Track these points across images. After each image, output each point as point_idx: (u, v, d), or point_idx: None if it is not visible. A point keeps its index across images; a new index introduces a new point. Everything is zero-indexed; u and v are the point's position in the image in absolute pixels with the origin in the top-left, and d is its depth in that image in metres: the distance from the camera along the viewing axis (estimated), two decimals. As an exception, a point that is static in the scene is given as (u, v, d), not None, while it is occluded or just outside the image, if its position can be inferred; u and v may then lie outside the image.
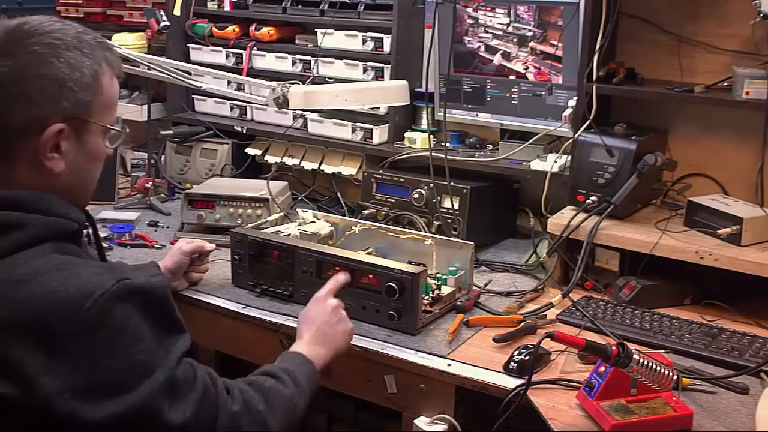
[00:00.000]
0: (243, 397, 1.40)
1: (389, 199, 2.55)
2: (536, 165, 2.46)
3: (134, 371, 1.20)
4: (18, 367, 1.15)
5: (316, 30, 2.88)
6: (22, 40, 1.29)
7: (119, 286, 1.20)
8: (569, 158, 2.34)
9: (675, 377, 1.54)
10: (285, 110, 2.45)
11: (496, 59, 2.57)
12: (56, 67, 1.29)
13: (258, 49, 3.02)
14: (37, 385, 1.14)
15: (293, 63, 2.93)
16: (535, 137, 2.52)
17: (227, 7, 3.11)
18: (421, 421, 1.78)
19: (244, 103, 3.08)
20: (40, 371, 1.15)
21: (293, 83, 2.38)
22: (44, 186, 1.31)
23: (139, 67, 2.41)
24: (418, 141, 2.70)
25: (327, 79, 2.83)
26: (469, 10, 2.58)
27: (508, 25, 2.53)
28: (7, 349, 1.16)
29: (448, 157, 2.38)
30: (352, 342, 1.84)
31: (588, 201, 2.19)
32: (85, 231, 1.42)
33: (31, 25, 1.32)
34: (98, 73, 1.34)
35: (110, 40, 2.74)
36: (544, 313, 2.03)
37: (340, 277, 1.87)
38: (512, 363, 1.74)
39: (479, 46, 2.59)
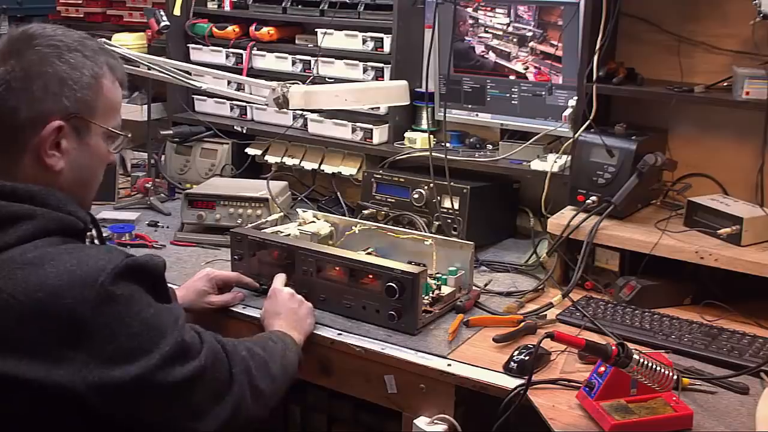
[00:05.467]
0: (244, 345, 1.55)
1: (389, 199, 2.55)
2: (536, 165, 2.46)
3: (150, 334, 1.29)
4: (39, 346, 1.21)
5: (316, 30, 2.88)
6: (26, 41, 1.37)
7: (127, 261, 1.29)
8: (569, 158, 2.34)
9: (675, 377, 1.54)
10: (285, 110, 2.45)
11: (495, 59, 2.57)
12: (58, 66, 1.36)
13: (258, 49, 3.02)
14: (59, 360, 1.21)
15: (293, 63, 2.93)
16: (535, 137, 2.52)
17: (227, 7, 3.11)
18: (421, 421, 1.78)
19: (244, 103, 3.08)
20: (62, 347, 1.21)
21: (293, 83, 2.38)
22: (46, 182, 1.36)
23: (139, 67, 2.41)
24: (418, 141, 2.70)
25: (327, 79, 2.83)
26: (469, 10, 2.58)
27: (508, 25, 2.53)
28: (28, 330, 1.22)
29: (448, 157, 2.38)
30: (351, 342, 1.85)
31: (588, 201, 2.19)
32: (88, 233, 1.47)
33: (35, 30, 1.40)
34: (99, 75, 1.41)
35: (110, 40, 2.75)
36: (544, 313, 2.03)
37: (280, 276, 1.99)
38: (512, 363, 1.74)
39: (479, 47, 2.59)
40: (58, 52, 1.37)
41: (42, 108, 1.34)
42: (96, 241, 1.60)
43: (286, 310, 1.86)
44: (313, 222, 2.29)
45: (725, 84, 2.18)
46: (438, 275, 2.07)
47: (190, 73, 2.61)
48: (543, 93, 2.52)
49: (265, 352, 1.59)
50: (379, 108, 2.76)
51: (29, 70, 1.34)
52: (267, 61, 3.00)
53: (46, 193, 1.34)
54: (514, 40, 2.53)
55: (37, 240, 1.29)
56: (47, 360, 1.21)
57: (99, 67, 1.41)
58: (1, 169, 1.35)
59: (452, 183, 2.39)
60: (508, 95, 2.59)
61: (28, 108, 1.34)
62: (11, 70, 1.34)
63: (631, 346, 1.51)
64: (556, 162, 2.41)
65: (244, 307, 2.04)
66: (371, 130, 2.77)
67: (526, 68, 2.54)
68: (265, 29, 3.01)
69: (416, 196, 2.48)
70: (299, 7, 2.94)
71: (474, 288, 2.12)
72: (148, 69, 2.43)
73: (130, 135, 1.52)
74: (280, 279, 1.98)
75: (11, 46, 1.37)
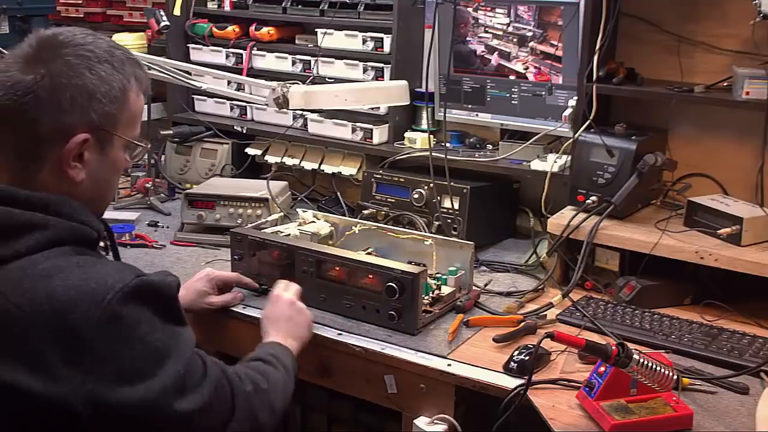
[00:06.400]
0: (250, 378, 1.50)
1: (389, 199, 2.55)
2: (536, 165, 2.46)
3: (153, 358, 1.26)
4: (40, 358, 1.19)
5: (316, 30, 2.88)
6: (56, 49, 1.33)
7: (137, 281, 1.26)
8: (569, 158, 2.34)
9: (675, 377, 1.54)
10: (285, 110, 2.45)
11: (495, 59, 2.57)
12: (87, 78, 1.33)
13: (258, 49, 3.02)
14: (59, 376, 1.19)
15: (293, 63, 2.93)
16: (535, 137, 2.52)
17: (227, 7, 3.12)
18: (421, 421, 1.78)
19: (244, 103, 3.08)
20: (63, 362, 1.19)
21: (293, 83, 2.38)
22: (64, 192, 1.34)
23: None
24: (418, 141, 2.70)
25: (327, 79, 2.83)
26: (469, 10, 2.58)
27: (508, 25, 2.53)
28: (31, 342, 1.20)
29: (448, 157, 2.38)
30: (351, 342, 1.85)
31: (588, 201, 2.19)
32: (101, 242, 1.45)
33: (66, 35, 1.36)
34: (126, 88, 1.38)
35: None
36: (544, 313, 2.03)
37: (282, 282, 1.95)
38: (512, 363, 1.74)
39: (479, 47, 2.59)
40: (89, 63, 1.33)
41: (68, 120, 1.32)
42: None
43: (285, 318, 1.83)
44: (313, 222, 2.29)
45: (725, 84, 2.18)
46: (438, 275, 2.07)
47: (190, 73, 2.61)
48: (543, 93, 2.52)
49: (269, 384, 1.54)
50: (379, 108, 2.76)
51: (58, 81, 1.30)
52: (267, 61, 3.00)
53: (61, 201, 1.32)
54: (514, 40, 2.53)
55: (48, 250, 1.27)
56: (46, 374, 1.19)
57: (127, 80, 1.38)
58: (18, 176, 1.33)
59: (452, 183, 2.39)
60: (508, 95, 2.59)
61: (54, 119, 1.31)
62: (39, 80, 1.30)
63: (631, 346, 1.51)
64: (556, 162, 2.41)
65: (244, 308, 2.04)
66: (371, 130, 2.77)
67: (526, 68, 2.54)
68: (265, 29, 3.01)
69: (416, 196, 2.48)
70: (299, 7, 2.94)
71: (474, 288, 2.12)
72: (148, 69, 2.42)
73: (150, 146, 1.51)
74: (281, 285, 1.94)
75: (39, 51, 1.33)
